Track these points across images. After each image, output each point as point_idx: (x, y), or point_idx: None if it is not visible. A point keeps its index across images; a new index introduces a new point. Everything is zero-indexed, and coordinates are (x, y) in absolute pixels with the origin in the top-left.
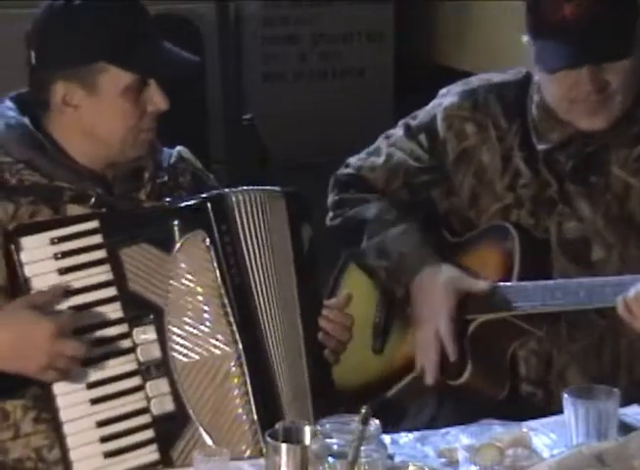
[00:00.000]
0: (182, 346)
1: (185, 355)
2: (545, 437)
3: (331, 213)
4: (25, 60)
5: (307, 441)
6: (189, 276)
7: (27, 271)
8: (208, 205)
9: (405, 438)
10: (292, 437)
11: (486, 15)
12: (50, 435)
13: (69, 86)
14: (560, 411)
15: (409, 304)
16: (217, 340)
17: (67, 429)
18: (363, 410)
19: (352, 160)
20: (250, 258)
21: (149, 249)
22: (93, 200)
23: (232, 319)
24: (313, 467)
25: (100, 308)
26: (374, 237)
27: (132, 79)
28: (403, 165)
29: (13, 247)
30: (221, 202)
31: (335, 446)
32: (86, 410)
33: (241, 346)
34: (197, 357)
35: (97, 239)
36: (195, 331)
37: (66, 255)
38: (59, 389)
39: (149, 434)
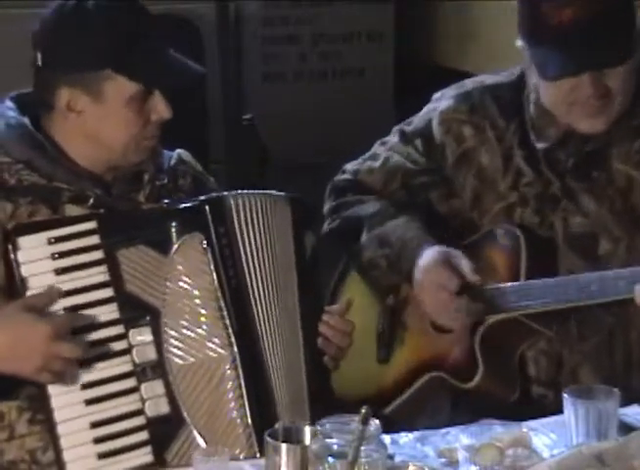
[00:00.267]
0: (178, 348)
1: (181, 358)
2: (545, 437)
3: (328, 220)
4: (27, 60)
5: (307, 441)
6: (186, 278)
7: (24, 271)
8: (206, 207)
9: (405, 438)
10: (292, 437)
11: (486, 15)
12: (44, 436)
13: (74, 92)
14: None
15: (405, 310)
16: (213, 342)
17: (61, 429)
18: (363, 410)
19: (349, 166)
20: (247, 262)
21: (146, 250)
22: (91, 200)
23: (228, 322)
24: (313, 467)
25: (96, 309)
26: (374, 229)
27: (137, 90)
28: (401, 167)
29: (10, 246)
30: (220, 204)
31: (335, 446)
32: (81, 411)
33: (236, 349)
34: (192, 360)
35: (94, 240)
36: (191, 333)
37: (63, 255)
38: (54, 389)
39: (143, 435)
